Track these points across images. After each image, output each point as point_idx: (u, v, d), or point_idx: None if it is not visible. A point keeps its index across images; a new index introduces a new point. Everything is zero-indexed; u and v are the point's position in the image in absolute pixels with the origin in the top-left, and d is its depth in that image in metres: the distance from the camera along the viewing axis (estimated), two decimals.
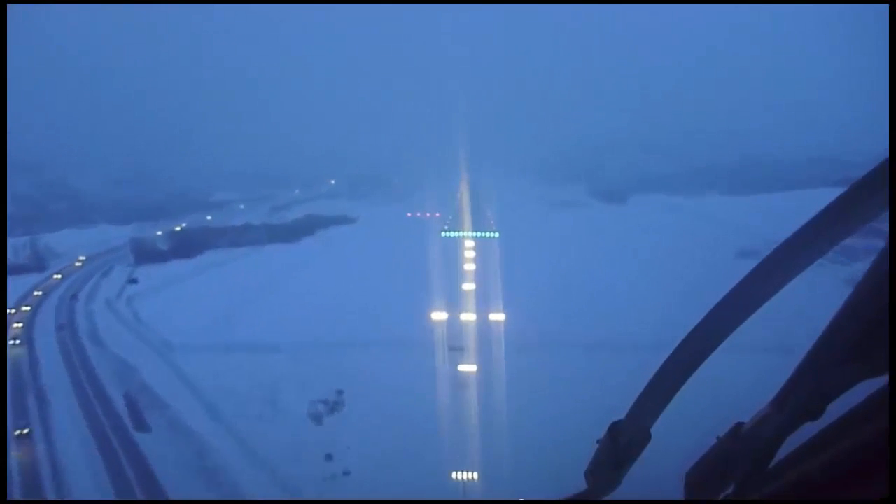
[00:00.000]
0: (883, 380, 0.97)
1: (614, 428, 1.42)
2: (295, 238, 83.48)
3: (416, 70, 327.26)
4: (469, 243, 74.40)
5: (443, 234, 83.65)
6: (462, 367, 34.30)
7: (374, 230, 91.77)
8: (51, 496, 24.43)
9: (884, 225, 0.97)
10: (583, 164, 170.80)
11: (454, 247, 73.92)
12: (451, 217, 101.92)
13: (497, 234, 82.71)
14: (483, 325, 40.19)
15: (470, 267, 61.86)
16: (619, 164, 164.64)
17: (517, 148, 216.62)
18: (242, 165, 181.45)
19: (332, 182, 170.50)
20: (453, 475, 25.31)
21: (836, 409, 1.03)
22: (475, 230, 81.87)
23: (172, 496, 24.26)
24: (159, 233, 78.19)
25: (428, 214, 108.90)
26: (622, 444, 1.40)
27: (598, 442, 1.46)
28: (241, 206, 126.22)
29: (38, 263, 64.07)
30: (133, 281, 58.76)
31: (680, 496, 1.31)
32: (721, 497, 1.23)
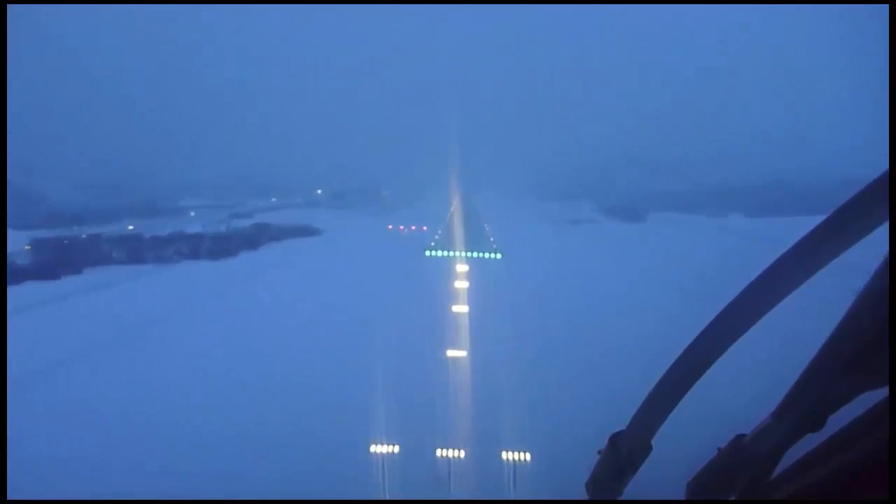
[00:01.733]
0: (883, 392, 0.94)
1: (615, 439, 1.37)
2: (229, 254, 60.16)
3: (414, 79, 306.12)
4: (462, 268, 51.59)
5: (427, 252, 60.50)
6: None
7: (340, 245, 68.64)
8: None
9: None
10: (588, 180, 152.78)
11: (441, 273, 50.74)
12: (440, 231, 79.42)
13: (499, 256, 59.74)
14: (488, 476, 16.60)
15: (461, 309, 38.73)
16: (626, 181, 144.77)
17: (516, 160, 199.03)
18: (227, 172, 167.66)
19: (319, 192, 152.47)
20: None
21: (837, 420, 1.01)
22: (471, 249, 59.13)
23: None
24: (27, 246, 54.25)
25: (413, 228, 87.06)
26: (623, 455, 1.35)
27: (599, 453, 1.41)
28: (192, 213, 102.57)
29: None
30: None
31: None
32: None
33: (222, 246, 60.87)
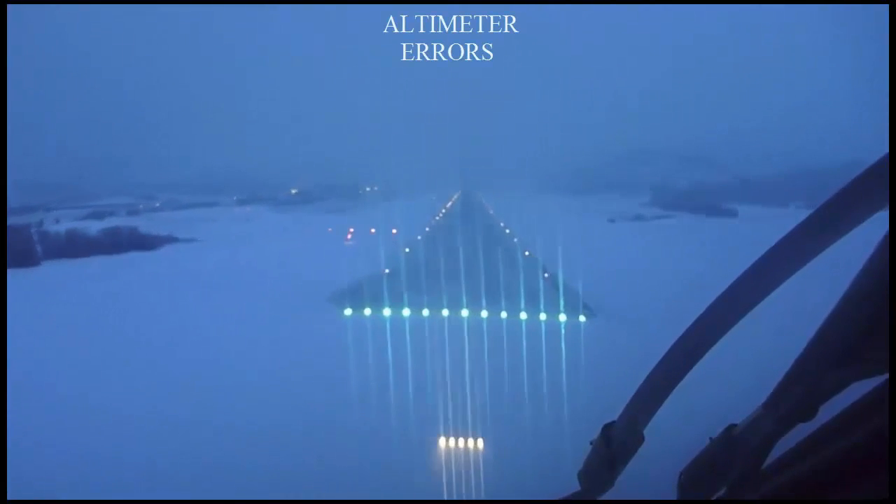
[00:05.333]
0: (878, 380, 0.94)
1: (607, 430, 1.37)
2: None
3: (427, 65, 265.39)
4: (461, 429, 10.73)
5: (347, 311, 19.43)
6: None
7: (164, 280, 27.80)
8: None
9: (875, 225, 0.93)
10: (610, 172, 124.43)
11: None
12: (422, 235, 38.90)
13: (583, 318, 18.28)
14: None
15: None
16: (654, 172, 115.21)
17: (526, 151, 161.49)
18: (190, 171, 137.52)
19: (294, 191, 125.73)
20: None
21: (830, 409, 0.99)
22: (491, 305, 18.13)
23: None
24: None
25: (373, 231, 46.50)
26: (615, 445, 1.35)
27: (591, 443, 1.41)
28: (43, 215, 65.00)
29: None
30: None
31: (673, 497, 1.26)
32: (714, 498, 1.20)
33: None
